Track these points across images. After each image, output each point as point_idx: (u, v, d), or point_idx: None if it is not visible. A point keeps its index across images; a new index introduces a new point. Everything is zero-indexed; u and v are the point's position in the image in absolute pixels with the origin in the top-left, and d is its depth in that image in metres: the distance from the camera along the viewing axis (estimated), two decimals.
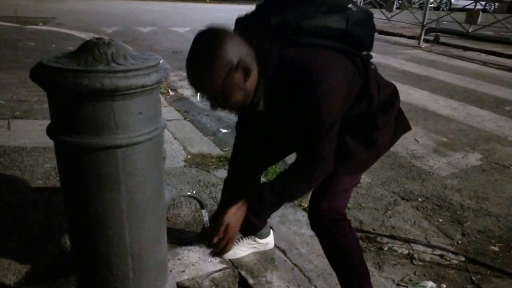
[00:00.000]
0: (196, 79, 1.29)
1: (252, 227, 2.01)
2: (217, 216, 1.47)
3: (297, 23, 1.37)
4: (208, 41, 1.26)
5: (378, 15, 12.61)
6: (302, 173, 1.45)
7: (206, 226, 1.55)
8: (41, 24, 9.11)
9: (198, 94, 1.32)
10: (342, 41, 1.43)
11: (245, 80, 1.31)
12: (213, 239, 1.43)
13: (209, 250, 1.94)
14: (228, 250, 1.49)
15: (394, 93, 1.64)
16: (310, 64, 1.33)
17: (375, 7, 13.12)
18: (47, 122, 1.22)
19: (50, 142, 1.24)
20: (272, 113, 1.47)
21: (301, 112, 1.36)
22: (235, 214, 1.43)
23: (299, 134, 1.44)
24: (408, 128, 1.70)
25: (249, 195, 1.48)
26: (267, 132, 1.67)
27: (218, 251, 1.46)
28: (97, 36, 1.33)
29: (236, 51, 1.26)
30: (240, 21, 1.48)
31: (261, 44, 1.35)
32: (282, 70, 1.34)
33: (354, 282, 1.68)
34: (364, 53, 1.55)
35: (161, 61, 1.16)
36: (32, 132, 3.24)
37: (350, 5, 1.47)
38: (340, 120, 1.42)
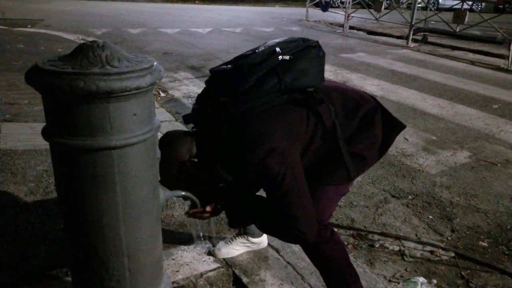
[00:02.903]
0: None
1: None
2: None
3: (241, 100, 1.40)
4: (165, 143, 1.51)
5: (366, 15, 12.71)
6: (280, 228, 1.51)
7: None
8: (29, 26, 9.03)
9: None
10: (287, 94, 1.43)
11: (196, 170, 1.47)
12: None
13: (203, 250, 1.98)
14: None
15: (372, 109, 1.60)
16: (244, 131, 1.39)
17: (363, 7, 13.20)
18: (37, 124, 1.23)
19: (41, 145, 1.25)
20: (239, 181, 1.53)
21: (253, 176, 1.39)
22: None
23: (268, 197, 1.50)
24: (402, 126, 1.68)
25: (231, 204, 1.61)
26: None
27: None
28: (86, 38, 1.34)
29: (185, 149, 1.46)
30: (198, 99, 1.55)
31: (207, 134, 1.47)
32: (231, 143, 1.42)
33: (339, 286, 1.69)
34: (311, 89, 1.48)
35: (154, 63, 1.17)
36: (23, 135, 3.22)
37: (277, 50, 1.44)
38: (302, 181, 1.43)
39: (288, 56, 1.43)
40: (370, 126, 1.58)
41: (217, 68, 1.49)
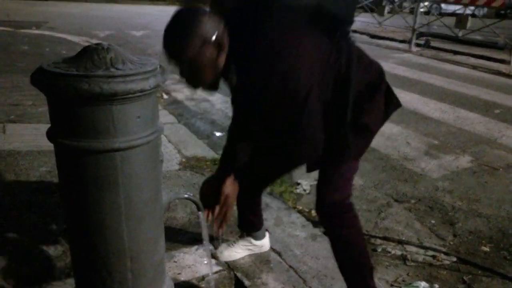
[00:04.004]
0: (170, 44, 1.37)
1: (250, 225, 2.04)
2: (212, 184, 1.55)
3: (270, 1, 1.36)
4: (187, 14, 1.36)
5: (369, 19, 12.72)
6: (287, 149, 1.45)
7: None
8: (33, 28, 9.07)
9: (169, 61, 1.38)
10: (317, 17, 1.40)
11: (217, 56, 1.36)
12: (215, 208, 1.51)
13: (205, 252, 1.98)
14: (229, 219, 1.56)
15: (378, 73, 1.59)
16: (273, 35, 1.34)
17: (366, 11, 13.22)
18: (41, 125, 1.24)
19: (44, 146, 1.26)
20: (245, 94, 1.47)
21: (271, 84, 1.34)
22: (232, 185, 1.48)
23: (275, 115, 1.41)
24: (398, 105, 1.65)
25: (237, 170, 1.53)
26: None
27: (221, 221, 1.54)
28: (90, 40, 1.36)
29: (212, 27, 1.34)
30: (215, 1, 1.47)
31: (235, 23, 1.38)
32: (250, 45, 1.36)
33: (357, 277, 1.69)
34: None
35: (159, 66, 1.18)
36: (27, 136, 3.23)
37: None
38: (319, 100, 1.38)
39: None
40: (376, 93, 1.56)
41: None
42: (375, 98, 1.56)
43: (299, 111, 1.36)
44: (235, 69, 1.43)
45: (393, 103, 1.64)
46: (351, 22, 1.53)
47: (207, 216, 1.62)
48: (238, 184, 1.53)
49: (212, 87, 1.50)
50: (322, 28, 1.42)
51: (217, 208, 1.54)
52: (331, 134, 1.47)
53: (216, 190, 1.52)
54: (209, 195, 1.58)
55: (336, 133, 1.49)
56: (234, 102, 1.66)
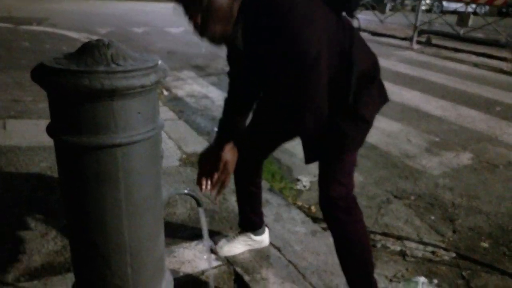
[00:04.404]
0: None
1: (251, 223, 2.05)
2: (210, 153, 1.55)
3: None
4: None
5: (371, 16, 12.70)
6: (291, 114, 1.42)
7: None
8: (35, 24, 9.07)
9: (183, 10, 1.35)
10: None
11: (232, 3, 1.34)
12: (214, 175, 1.51)
13: (204, 248, 1.99)
14: (227, 186, 1.55)
15: (375, 64, 1.59)
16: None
17: (367, 8, 13.19)
18: (42, 121, 1.24)
19: (45, 142, 1.27)
20: (253, 54, 1.45)
21: (278, 47, 1.33)
22: (231, 150, 1.48)
23: (282, 77, 1.39)
24: (386, 99, 1.66)
25: (238, 133, 1.54)
26: (251, 75, 1.62)
27: (219, 187, 1.53)
28: (91, 36, 1.37)
29: None
30: None
31: None
32: (258, 4, 1.35)
33: (361, 273, 1.70)
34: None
35: (159, 62, 1.18)
36: (27, 132, 3.24)
37: None
38: (327, 68, 1.36)
39: None
40: (372, 84, 1.57)
41: None
42: (371, 89, 1.57)
43: (307, 73, 1.34)
44: (244, 30, 1.41)
45: (384, 97, 1.65)
46: (357, 3, 1.54)
47: (206, 183, 1.60)
48: (238, 151, 1.52)
49: (218, 40, 1.45)
50: (330, 2, 1.43)
51: (216, 175, 1.53)
52: (331, 119, 1.47)
53: (215, 157, 1.51)
54: (208, 162, 1.57)
55: (336, 118, 1.49)
56: (232, 65, 1.68)
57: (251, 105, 1.76)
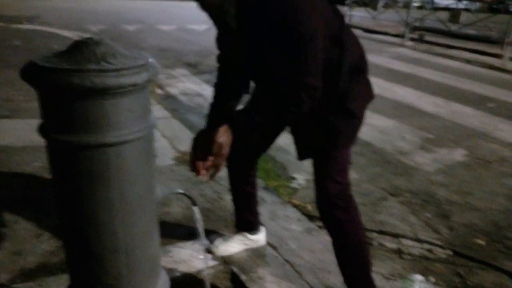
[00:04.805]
0: None
1: (247, 224, 2.04)
2: (204, 136, 1.50)
3: None
4: None
5: (363, 13, 12.71)
6: (286, 91, 1.40)
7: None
8: (25, 22, 8.99)
9: None
10: None
11: None
12: (207, 159, 1.48)
13: (200, 247, 1.98)
14: (221, 170, 1.50)
15: (362, 56, 1.60)
16: None
17: (360, 5, 13.21)
18: (34, 121, 1.22)
19: (38, 141, 1.24)
20: (248, 31, 1.44)
21: (275, 23, 1.32)
22: (226, 133, 1.44)
23: (278, 55, 1.38)
24: (372, 96, 1.66)
25: (232, 115, 1.49)
26: (244, 55, 1.59)
27: (213, 170, 1.49)
28: (82, 34, 1.34)
29: None
30: None
31: None
32: None
33: (359, 271, 1.69)
34: None
35: (150, 60, 1.17)
36: (20, 131, 3.21)
37: None
38: (323, 41, 1.36)
39: None
40: (360, 77, 1.57)
41: None
42: (359, 82, 1.57)
43: (304, 49, 1.34)
44: (238, 6, 1.40)
45: (370, 94, 1.65)
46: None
47: (200, 168, 1.56)
48: (232, 134, 1.47)
49: (214, 13, 1.44)
50: None
51: (210, 159, 1.49)
52: (320, 114, 1.47)
53: (208, 140, 1.46)
54: (202, 146, 1.52)
55: (325, 113, 1.50)
56: (222, 48, 1.66)
57: (242, 90, 1.74)
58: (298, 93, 1.37)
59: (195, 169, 1.57)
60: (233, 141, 1.47)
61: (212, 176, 1.53)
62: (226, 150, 1.46)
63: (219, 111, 1.72)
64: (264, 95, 1.46)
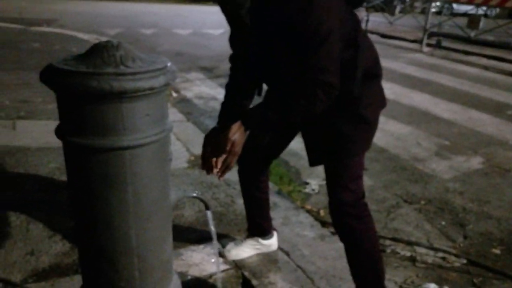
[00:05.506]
0: None
1: (259, 228, 2.03)
2: (216, 134, 1.50)
3: None
4: None
5: (380, 18, 12.64)
6: (302, 89, 1.38)
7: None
8: (44, 25, 9.14)
9: None
10: None
11: None
12: (219, 157, 1.50)
13: (212, 251, 1.98)
14: (231, 168, 1.51)
15: (376, 61, 1.59)
16: None
17: (377, 10, 13.14)
18: (51, 122, 1.24)
19: (54, 142, 1.26)
20: (262, 28, 1.44)
21: (291, 19, 1.32)
22: (238, 131, 1.44)
23: (294, 51, 1.38)
24: (385, 103, 1.65)
25: (245, 113, 1.48)
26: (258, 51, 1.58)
27: (225, 168, 1.50)
28: (100, 37, 1.36)
29: None
30: None
31: None
32: None
33: (372, 280, 1.66)
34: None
35: (168, 64, 1.17)
36: (37, 133, 3.26)
37: None
38: (338, 37, 1.35)
39: None
40: (374, 83, 1.56)
41: None
42: (373, 87, 1.56)
43: (320, 45, 1.33)
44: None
45: (382, 100, 1.64)
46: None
47: (212, 166, 1.56)
48: (245, 131, 1.48)
49: (230, 6, 1.46)
50: None
51: (222, 157, 1.50)
52: (332, 122, 1.46)
53: (221, 138, 1.46)
54: (213, 144, 1.53)
55: (337, 120, 1.49)
56: (235, 47, 1.64)
57: (253, 90, 1.73)
58: (314, 90, 1.35)
59: (206, 166, 1.57)
60: (246, 141, 1.47)
61: (222, 175, 1.54)
62: (238, 148, 1.46)
63: (232, 109, 1.71)
64: (279, 92, 1.45)
